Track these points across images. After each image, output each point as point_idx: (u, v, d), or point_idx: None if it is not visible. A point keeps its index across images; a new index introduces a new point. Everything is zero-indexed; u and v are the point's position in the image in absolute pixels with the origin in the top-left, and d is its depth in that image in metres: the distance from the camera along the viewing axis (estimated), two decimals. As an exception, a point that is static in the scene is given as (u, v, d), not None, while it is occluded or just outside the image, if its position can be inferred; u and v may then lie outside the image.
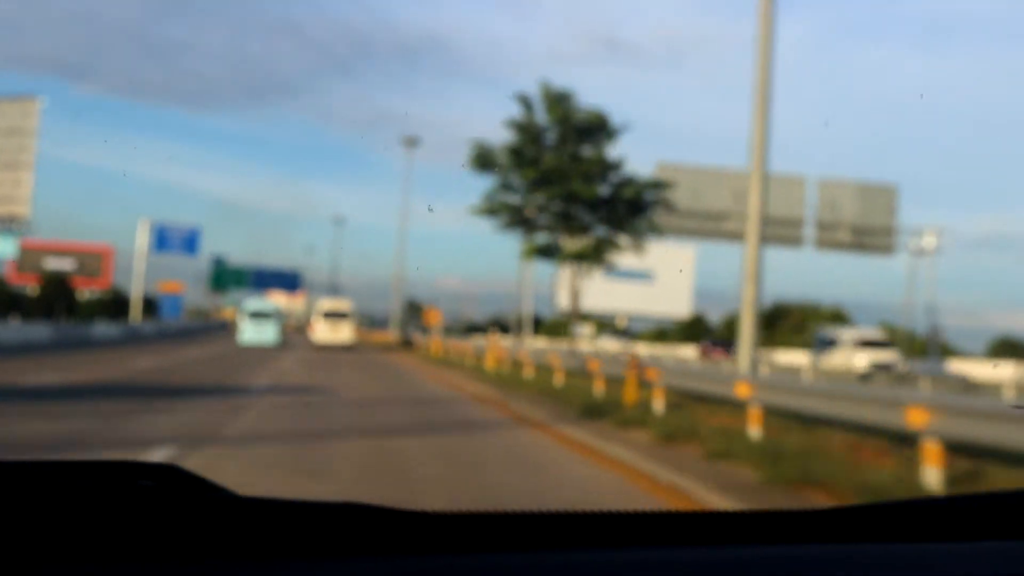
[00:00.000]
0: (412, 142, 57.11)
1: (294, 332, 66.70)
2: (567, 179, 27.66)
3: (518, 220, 29.21)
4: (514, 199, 29.26)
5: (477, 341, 36.76)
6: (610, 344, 65.42)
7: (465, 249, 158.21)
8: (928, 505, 1.28)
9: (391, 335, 58.30)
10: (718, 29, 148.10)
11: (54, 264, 72.94)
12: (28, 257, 70.13)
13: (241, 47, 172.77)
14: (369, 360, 31.10)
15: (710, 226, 50.62)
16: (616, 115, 30.89)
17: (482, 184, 48.91)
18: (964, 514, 1.20)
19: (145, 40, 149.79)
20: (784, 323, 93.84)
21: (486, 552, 1.02)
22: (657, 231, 30.28)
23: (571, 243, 28.89)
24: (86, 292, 74.27)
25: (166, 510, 0.94)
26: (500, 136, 30.34)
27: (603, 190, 28.76)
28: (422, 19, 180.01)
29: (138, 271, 66.67)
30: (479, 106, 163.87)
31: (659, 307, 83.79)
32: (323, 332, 39.02)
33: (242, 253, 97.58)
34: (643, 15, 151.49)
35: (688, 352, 65.51)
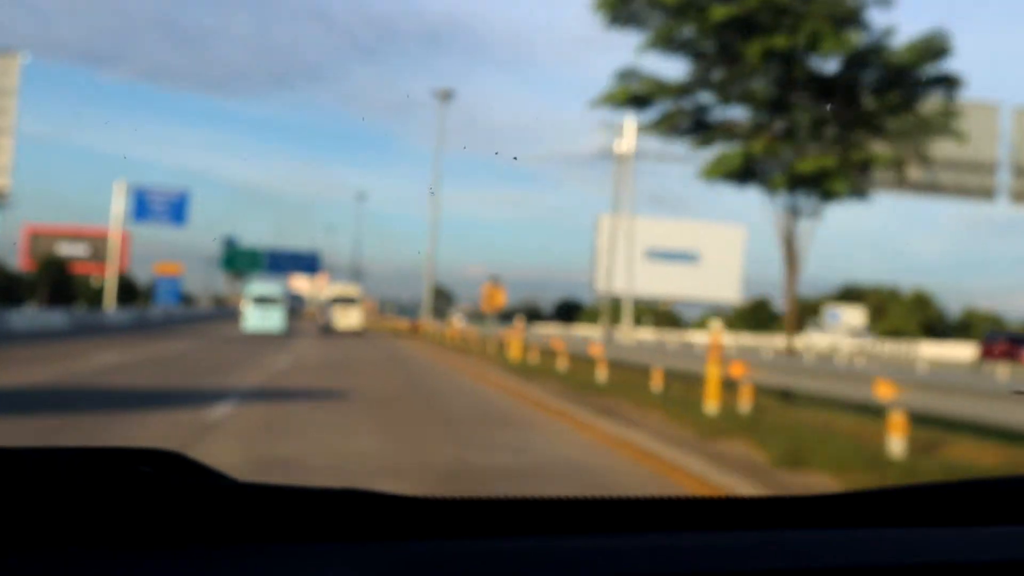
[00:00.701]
0: (446, 95, 50.69)
1: (310, 321, 60.01)
2: (791, 26, 14.33)
3: (686, 112, 15.87)
4: (676, 76, 16.00)
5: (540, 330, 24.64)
6: (845, 342, 51.66)
7: (488, 236, 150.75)
8: (935, 490, 1.21)
9: (424, 323, 49.32)
10: None
11: (67, 250, 68.67)
12: (40, 243, 67.98)
13: (266, 33, 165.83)
14: (408, 375, 18.24)
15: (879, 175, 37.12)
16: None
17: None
18: (972, 499, 1.19)
19: (172, 27, 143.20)
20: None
21: (490, 537, 1.01)
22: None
23: (788, 154, 15.52)
24: (101, 278, 68.96)
25: (166, 496, 0.93)
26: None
27: (831, 67, 15.53)
28: (446, 3, 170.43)
29: (113, 244, 54.16)
30: (504, 92, 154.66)
31: (706, 291, 72.73)
32: (332, 318, 39.43)
33: (263, 238, 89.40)
34: None
35: (929, 350, 49.31)
